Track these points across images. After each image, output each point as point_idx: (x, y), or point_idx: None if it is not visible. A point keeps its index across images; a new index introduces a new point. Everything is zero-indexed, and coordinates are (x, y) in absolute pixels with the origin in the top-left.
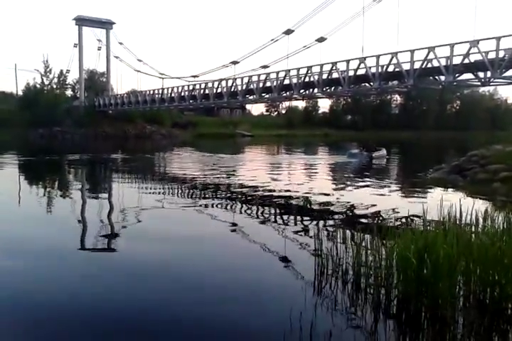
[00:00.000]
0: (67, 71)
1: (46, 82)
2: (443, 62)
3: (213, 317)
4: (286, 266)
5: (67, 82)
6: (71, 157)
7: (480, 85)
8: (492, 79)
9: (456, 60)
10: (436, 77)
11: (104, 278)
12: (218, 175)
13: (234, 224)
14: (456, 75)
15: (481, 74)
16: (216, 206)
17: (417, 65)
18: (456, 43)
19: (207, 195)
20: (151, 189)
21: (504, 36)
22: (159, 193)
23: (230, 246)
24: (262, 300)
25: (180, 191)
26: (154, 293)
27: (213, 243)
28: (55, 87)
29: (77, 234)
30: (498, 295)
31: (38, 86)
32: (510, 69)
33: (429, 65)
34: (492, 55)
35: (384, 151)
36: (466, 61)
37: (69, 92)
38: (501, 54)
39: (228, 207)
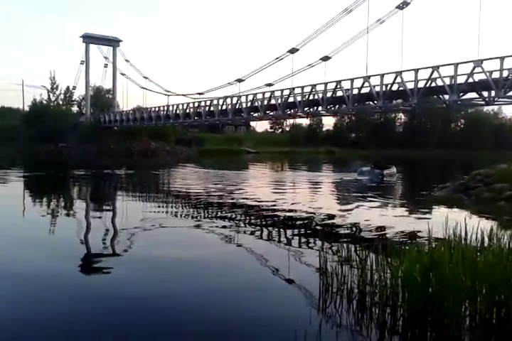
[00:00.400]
0: (74, 87)
1: (52, 98)
2: (447, 81)
3: (217, 337)
4: (291, 284)
5: (73, 99)
6: (75, 172)
7: (484, 104)
8: (496, 99)
9: (461, 79)
10: (441, 96)
11: (100, 300)
12: (222, 192)
13: (237, 242)
14: (461, 94)
15: (485, 94)
16: (219, 224)
17: (421, 84)
18: (460, 63)
19: (210, 213)
20: (153, 206)
21: (508, 56)
22: (162, 211)
23: (233, 264)
24: (267, 318)
25: (182, 208)
26: (153, 314)
27: (216, 261)
28: (61, 103)
29: (77, 255)
30: (505, 315)
31: (44, 102)
32: None
33: (434, 84)
34: (496, 75)
35: (394, 169)
36: (470, 80)
37: (75, 108)
38: (505, 73)
39: (232, 225)
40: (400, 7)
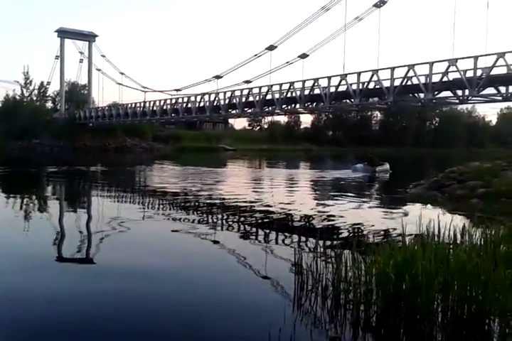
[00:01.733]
0: (48, 83)
1: (26, 94)
2: (422, 79)
3: (190, 334)
4: (266, 281)
5: (47, 94)
6: (48, 169)
7: (458, 103)
8: (470, 97)
9: (436, 78)
10: (416, 95)
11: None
12: (198, 189)
13: (212, 239)
14: (435, 93)
15: (460, 92)
16: (194, 221)
17: (397, 83)
18: (435, 62)
19: (185, 210)
20: (127, 203)
21: (481, 55)
22: (135, 211)
23: (207, 261)
24: (241, 316)
25: (157, 205)
26: (127, 310)
27: (190, 258)
28: (35, 98)
29: (55, 245)
30: (475, 311)
31: (17, 97)
32: (488, 88)
33: (409, 83)
34: (470, 74)
35: (387, 166)
36: (445, 79)
37: (49, 104)
38: (479, 72)
39: (207, 222)
40: (377, 5)
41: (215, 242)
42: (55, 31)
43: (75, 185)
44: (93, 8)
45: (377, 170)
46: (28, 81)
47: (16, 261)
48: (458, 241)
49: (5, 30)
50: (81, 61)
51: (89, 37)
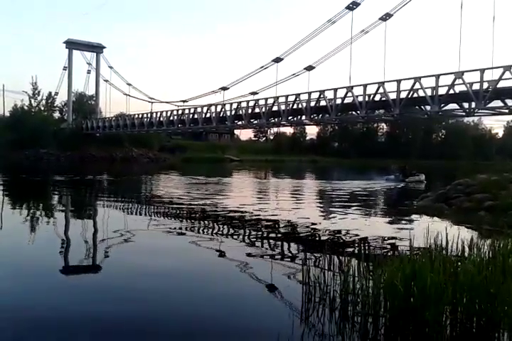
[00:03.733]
0: (56, 93)
1: (34, 104)
2: (429, 92)
3: None
4: (273, 293)
5: (55, 104)
6: (55, 178)
7: (464, 115)
8: (476, 110)
9: (442, 91)
10: (422, 107)
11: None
12: (204, 200)
13: (219, 251)
14: (442, 105)
15: (466, 105)
16: (200, 231)
17: (403, 95)
18: (442, 74)
19: (191, 221)
20: (132, 213)
21: (488, 68)
22: (142, 218)
23: (215, 273)
24: (248, 327)
25: (162, 215)
26: (135, 321)
27: (198, 270)
28: (42, 108)
29: (60, 256)
30: (485, 324)
31: (25, 107)
32: (494, 101)
33: (415, 95)
34: (476, 86)
35: (422, 177)
36: (451, 92)
37: (57, 115)
38: (485, 85)
39: (213, 232)
40: (383, 19)
41: (221, 252)
42: (64, 42)
43: (80, 193)
44: (101, 20)
45: (407, 180)
46: (36, 91)
47: (21, 270)
48: (466, 254)
49: (14, 41)
50: (89, 72)
51: (97, 48)
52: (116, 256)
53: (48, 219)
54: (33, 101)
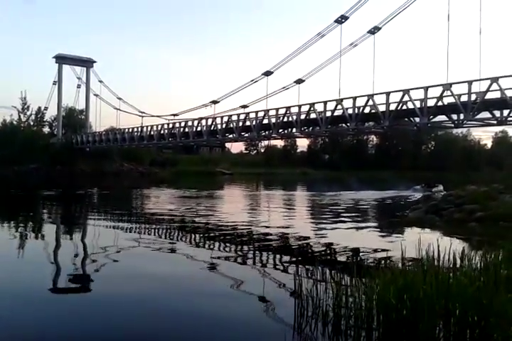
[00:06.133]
0: (46, 108)
1: (23, 119)
2: (417, 104)
3: None
4: (266, 307)
5: (44, 119)
6: (43, 193)
7: (453, 127)
8: (465, 121)
9: (431, 103)
10: (411, 119)
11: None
12: (195, 213)
13: (212, 264)
14: (431, 117)
15: (455, 116)
16: (192, 244)
17: (392, 107)
18: (430, 86)
19: (182, 234)
20: (122, 229)
21: (475, 80)
22: (132, 232)
23: (207, 286)
24: None
25: (153, 229)
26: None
27: (190, 283)
28: (32, 124)
29: (48, 274)
30: (478, 336)
31: (14, 123)
32: (482, 112)
33: (404, 107)
34: (464, 98)
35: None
36: (440, 103)
37: (46, 129)
38: (473, 97)
39: (205, 247)
40: (372, 32)
41: (212, 266)
42: (53, 57)
43: (69, 208)
44: (91, 35)
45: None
46: (25, 106)
47: (9, 290)
48: (458, 265)
49: (3, 55)
50: (79, 86)
51: (87, 63)
52: (105, 274)
53: (34, 236)
54: (22, 116)
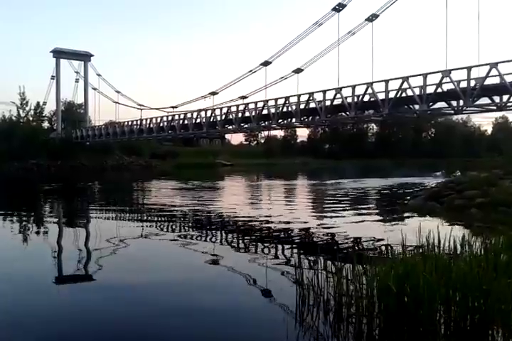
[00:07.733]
0: (44, 103)
1: (22, 115)
2: (417, 91)
3: None
4: (267, 296)
5: (43, 114)
6: (44, 187)
7: (453, 113)
8: (464, 108)
9: (430, 89)
10: (411, 106)
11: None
12: (196, 205)
13: (214, 255)
14: (430, 104)
15: (454, 103)
16: (194, 236)
17: (391, 95)
18: (429, 73)
19: (184, 225)
20: (124, 220)
21: (474, 66)
22: (134, 224)
23: (209, 276)
24: (243, 331)
25: (155, 222)
26: (129, 327)
27: (192, 274)
28: (31, 119)
29: (53, 266)
30: (478, 322)
31: (13, 118)
32: (482, 98)
33: (404, 95)
34: (464, 84)
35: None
36: (439, 90)
37: (46, 124)
38: (472, 83)
39: (207, 237)
40: (370, 19)
41: (215, 257)
42: (51, 51)
43: (70, 202)
44: (88, 28)
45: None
46: (24, 101)
47: (16, 279)
48: (458, 252)
49: (0, 51)
50: (77, 81)
51: (84, 56)
52: (109, 264)
53: (37, 228)
54: (21, 111)
